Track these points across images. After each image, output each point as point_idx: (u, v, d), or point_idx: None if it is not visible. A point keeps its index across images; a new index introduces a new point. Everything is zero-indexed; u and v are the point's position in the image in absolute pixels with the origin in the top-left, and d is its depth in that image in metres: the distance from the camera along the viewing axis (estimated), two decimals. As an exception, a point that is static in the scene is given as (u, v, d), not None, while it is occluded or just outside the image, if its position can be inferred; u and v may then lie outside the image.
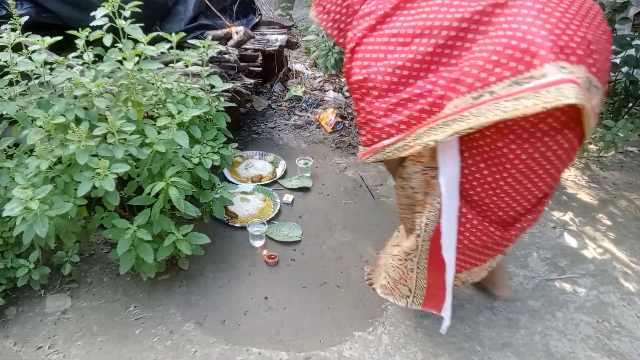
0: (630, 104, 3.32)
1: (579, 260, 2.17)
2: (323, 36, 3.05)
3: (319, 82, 3.99)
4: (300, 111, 3.49)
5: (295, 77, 4.04)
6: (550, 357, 1.68)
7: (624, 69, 3.29)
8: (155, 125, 1.65)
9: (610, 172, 2.98)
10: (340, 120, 3.26)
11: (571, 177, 2.89)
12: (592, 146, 3.12)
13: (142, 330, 1.71)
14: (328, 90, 3.76)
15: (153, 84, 1.83)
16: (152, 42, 1.75)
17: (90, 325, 1.72)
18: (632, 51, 3.10)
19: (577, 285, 2.02)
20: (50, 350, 1.61)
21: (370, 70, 1.31)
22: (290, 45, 3.64)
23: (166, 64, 2.14)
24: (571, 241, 2.29)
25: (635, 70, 3.34)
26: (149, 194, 1.60)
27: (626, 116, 3.23)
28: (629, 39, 2.67)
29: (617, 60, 3.21)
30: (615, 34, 2.75)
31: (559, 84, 1.03)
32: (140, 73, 1.76)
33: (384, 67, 1.28)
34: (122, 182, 1.80)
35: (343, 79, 3.95)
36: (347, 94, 3.68)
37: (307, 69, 4.25)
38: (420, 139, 1.24)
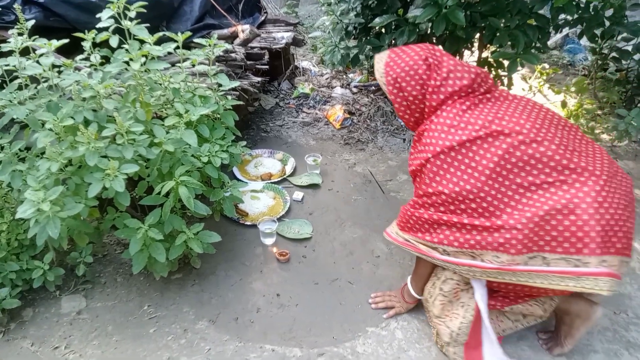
0: (644, 92, 3.26)
1: (594, 252, 2.13)
2: (329, 32, 3.03)
3: (326, 79, 3.98)
4: (308, 108, 3.49)
5: (303, 75, 4.04)
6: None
7: (637, 57, 3.23)
8: (163, 125, 1.65)
9: (624, 161, 2.93)
10: (348, 116, 3.25)
11: (584, 167, 2.84)
12: (605, 136, 3.07)
13: (157, 329, 1.72)
14: (335, 87, 3.75)
15: (160, 84, 1.83)
16: (159, 43, 1.75)
17: (105, 325, 1.73)
18: (643, 38, 3.04)
19: (592, 277, 1.98)
20: (67, 350, 1.63)
21: (441, 188, 1.42)
22: (297, 42, 3.64)
23: (173, 64, 2.15)
24: (586, 232, 2.25)
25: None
26: (159, 193, 1.61)
27: (639, 104, 3.18)
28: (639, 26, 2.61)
29: (629, 48, 3.15)
30: (626, 21, 2.70)
31: (597, 276, 1.25)
32: (147, 74, 1.77)
33: (459, 187, 1.38)
34: (132, 182, 1.81)
35: (350, 75, 3.94)
36: (355, 90, 3.67)
37: (314, 66, 4.25)
38: (469, 273, 1.43)
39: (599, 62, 3.51)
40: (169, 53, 1.82)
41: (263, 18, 3.60)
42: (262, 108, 3.46)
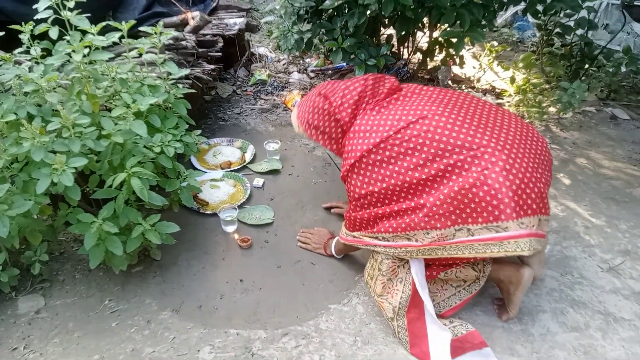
0: (587, 65, 3.42)
1: (542, 219, 2.25)
2: (281, 17, 3.02)
3: (283, 64, 3.97)
4: (266, 95, 3.48)
5: (259, 61, 4.01)
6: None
7: (579, 32, 3.37)
8: (111, 116, 1.63)
9: (570, 132, 3.08)
10: (306, 100, 3.26)
11: (533, 140, 2.97)
12: (552, 109, 3.20)
13: (119, 322, 1.71)
14: (292, 72, 3.75)
15: (107, 75, 1.79)
16: (103, 33, 1.71)
17: (66, 322, 1.71)
18: (584, 13, 3.17)
19: (541, 242, 2.10)
20: (26, 350, 1.61)
21: (370, 188, 1.59)
22: (251, 28, 3.61)
23: (121, 55, 2.10)
24: (534, 201, 2.36)
25: (589, 32, 3.43)
26: (110, 186, 1.59)
27: (583, 77, 3.32)
28: (579, 1, 2.72)
29: (572, 24, 3.29)
30: (566, -4, 2.81)
31: (517, 238, 1.36)
32: (93, 65, 1.73)
33: (386, 184, 1.55)
34: (84, 177, 1.78)
35: (307, 60, 3.94)
36: (312, 75, 3.68)
37: (270, 52, 4.22)
38: (408, 254, 1.55)
39: (545, 38, 3.65)
40: (116, 44, 1.78)
41: (215, 4, 3.54)
42: (219, 96, 3.42)
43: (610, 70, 3.43)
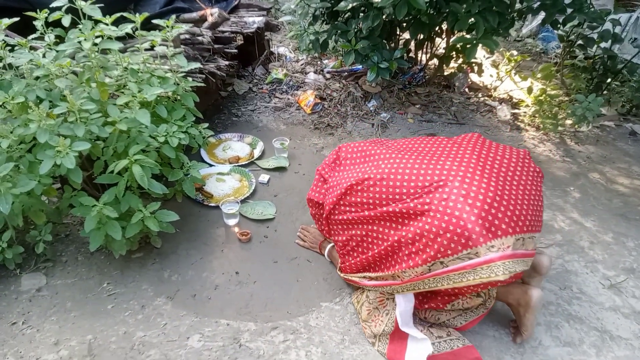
0: (609, 79, 3.35)
1: (546, 232, 2.21)
2: (298, 17, 3.05)
3: (301, 65, 4.00)
4: (281, 94, 3.51)
5: (278, 61, 4.05)
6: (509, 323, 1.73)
7: (602, 45, 3.30)
8: (118, 104, 1.68)
9: (585, 146, 3.01)
10: (319, 101, 3.28)
11: (545, 151, 2.92)
12: (568, 121, 3.14)
13: (115, 305, 1.76)
14: (309, 73, 3.77)
15: (119, 65, 1.85)
16: (118, 25, 1.77)
17: (64, 301, 1.77)
18: (608, 26, 3.11)
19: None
20: (24, 326, 1.66)
21: (347, 235, 1.71)
22: (271, 27, 3.65)
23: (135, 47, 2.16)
24: (540, 213, 2.32)
25: (616, 46, 3.36)
26: (112, 171, 1.64)
27: (605, 91, 3.25)
28: (600, 13, 2.67)
29: (595, 36, 3.22)
30: (588, 10, 2.75)
31: (489, 263, 1.32)
32: (105, 54, 1.78)
33: (358, 234, 1.67)
34: (91, 162, 1.83)
35: (325, 61, 3.97)
36: (328, 76, 3.70)
37: (290, 52, 4.26)
38: (394, 291, 1.58)
39: (567, 49, 3.58)
40: (132, 37, 1.83)
41: (236, 3, 3.60)
42: (235, 93, 3.47)
43: (634, 85, 3.35)
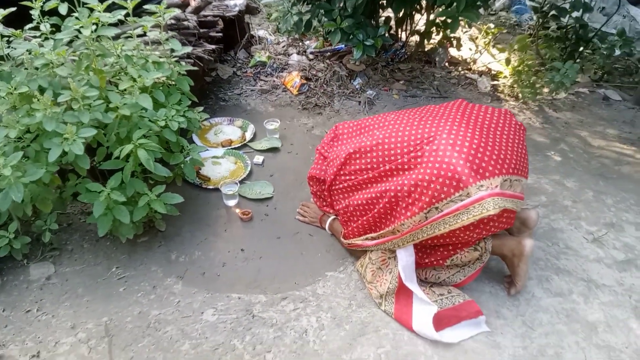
0: (581, 48, 3.47)
1: (531, 194, 2.33)
2: (281, -2, 3.07)
3: (283, 47, 4.01)
4: (266, 76, 3.53)
5: (259, 44, 4.06)
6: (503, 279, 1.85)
7: (574, 14, 3.42)
8: (118, 91, 1.70)
9: (562, 112, 3.15)
10: (305, 82, 3.32)
11: (525, 119, 3.05)
12: (545, 89, 3.27)
13: (126, 287, 1.81)
14: (292, 54, 3.80)
15: (113, 52, 1.86)
16: (108, 11, 1.77)
17: (75, 287, 1.80)
18: (579, -5, 3.21)
19: (529, 215, 2.18)
20: (39, 313, 1.70)
21: (348, 201, 1.82)
22: (250, 10, 3.65)
23: (125, 34, 2.16)
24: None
25: (585, 15, 3.48)
26: (117, 157, 1.67)
27: (577, 59, 3.38)
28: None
29: (567, 5, 3.34)
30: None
31: (480, 200, 1.45)
32: (99, 41, 1.79)
33: (358, 197, 1.77)
34: (91, 150, 1.85)
35: (307, 42, 3.99)
36: (311, 57, 3.73)
37: (270, 34, 4.26)
38: (395, 246, 1.68)
39: (541, 20, 3.70)
40: (121, 22, 1.84)
41: (215, -14, 3.58)
42: (220, 77, 3.48)
43: (604, 52, 3.49)
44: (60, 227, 2.05)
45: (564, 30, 3.65)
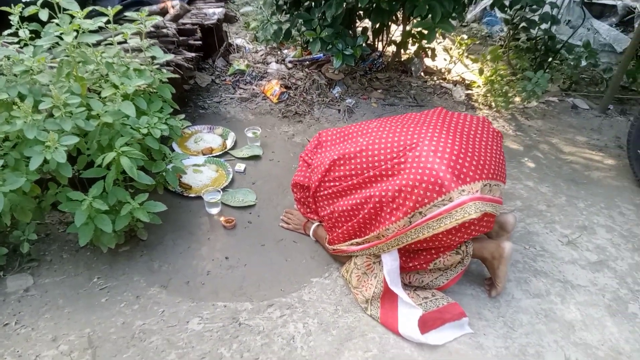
0: (550, 58, 3.62)
1: (507, 199, 2.41)
2: (260, 7, 3.09)
3: (261, 55, 4.03)
4: (245, 84, 3.54)
5: (237, 52, 4.06)
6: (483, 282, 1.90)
7: (543, 26, 3.57)
8: (100, 98, 1.68)
9: (534, 120, 3.26)
10: (284, 90, 3.34)
11: (499, 127, 3.14)
12: (517, 98, 3.38)
13: (108, 298, 1.77)
14: (271, 63, 3.82)
15: (93, 59, 1.84)
16: (88, 18, 1.75)
17: (56, 299, 1.76)
18: (548, 9, 3.36)
19: (507, 220, 2.25)
20: (18, 326, 1.65)
21: (333, 207, 1.84)
22: (229, 19, 3.66)
23: (105, 40, 2.14)
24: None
25: (553, 27, 3.64)
26: (99, 165, 1.64)
27: (547, 69, 3.52)
28: (542, -3, 2.90)
29: (536, 18, 3.48)
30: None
31: (462, 205, 1.50)
32: (79, 48, 1.77)
33: (343, 203, 1.80)
34: (72, 158, 1.82)
35: (285, 51, 4.02)
36: (290, 65, 3.76)
37: (248, 43, 4.27)
38: (380, 250, 1.71)
39: (511, 32, 3.83)
40: (101, 29, 1.82)
41: (193, -5, 3.57)
42: (198, 86, 3.47)
43: (572, 63, 3.64)
44: (39, 237, 1.99)
45: (534, 41, 3.79)
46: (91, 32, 1.75)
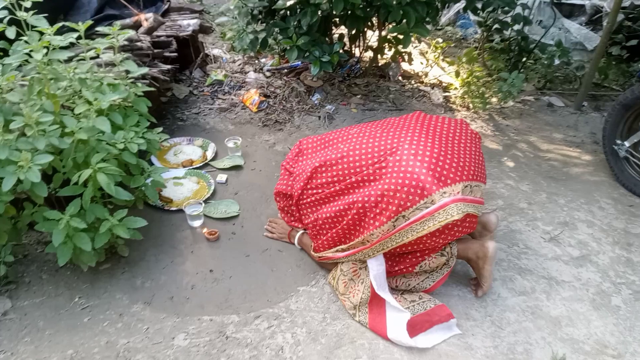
0: (524, 58, 3.68)
1: (489, 198, 2.43)
2: (235, 17, 3.09)
3: (239, 65, 4.01)
4: (224, 94, 3.52)
5: (214, 62, 4.04)
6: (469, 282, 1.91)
7: (516, 27, 3.63)
8: (73, 114, 1.64)
9: (511, 120, 3.31)
10: (264, 99, 3.33)
11: (477, 128, 3.18)
12: (494, 99, 3.43)
13: (91, 317, 1.73)
14: (249, 72, 3.81)
15: (66, 75, 1.81)
16: (59, 34, 1.72)
17: (36, 321, 1.71)
18: (520, 10, 3.42)
19: (489, 219, 2.27)
20: (-4, 352, 1.60)
21: (317, 215, 1.84)
22: (204, 30, 3.63)
23: (77, 56, 2.10)
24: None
25: (526, 28, 3.71)
26: (76, 183, 1.61)
27: (521, 69, 3.58)
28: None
29: (509, 19, 3.54)
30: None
31: (445, 207, 1.51)
32: (50, 65, 1.73)
33: (327, 210, 1.79)
34: (47, 177, 1.77)
35: (262, 60, 4.01)
36: (268, 74, 3.75)
37: (225, 53, 4.26)
38: (366, 256, 1.71)
39: (485, 34, 3.89)
40: (72, 44, 1.79)
41: (166, 6, 3.54)
42: (176, 97, 3.43)
43: (545, 62, 3.71)
44: (16, 259, 1.93)
45: (507, 42, 3.86)
46: (62, 48, 1.73)
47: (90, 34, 2.31)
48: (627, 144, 2.51)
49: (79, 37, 1.81)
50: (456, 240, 1.76)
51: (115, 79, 1.98)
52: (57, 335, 1.66)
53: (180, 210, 2.27)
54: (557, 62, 3.69)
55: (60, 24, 1.74)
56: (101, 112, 1.80)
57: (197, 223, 2.21)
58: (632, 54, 4.04)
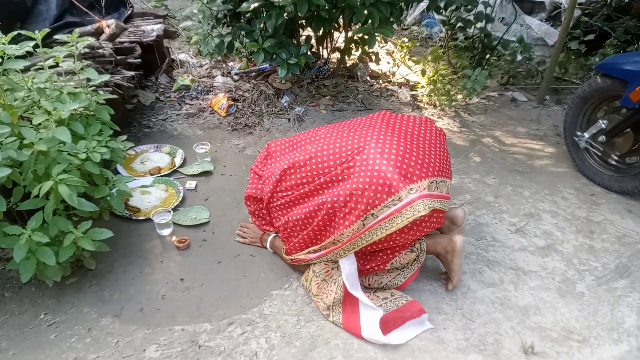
0: (488, 55, 3.76)
1: (456, 193, 2.48)
2: (200, 21, 3.05)
3: (206, 69, 3.97)
4: (191, 100, 3.48)
5: (181, 67, 3.99)
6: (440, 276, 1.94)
7: (479, 25, 3.71)
8: (32, 125, 1.60)
9: (477, 116, 3.38)
10: (232, 103, 3.31)
11: (444, 125, 3.24)
12: (459, 96, 3.50)
13: (57, 334, 1.68)
14: (216, 76, 3.77)
15: (23, 85, 1.75)
16: (14, 43, 1.67)
17: (-2, 342, 1.65)
18: (482, 8, 3.50)
19: (458, 214, 2.31)
20: (-44, 376, 1.54)
21: (287, 217, 1.83)
22: (169, 34, 3.59)
23: (35, 65, 2.04)
24: (450, 178, 2.60)
25: (488, 25, 3.79)
26: (37, 196, 1.56)
27: (485, 66, 3.66)
28: (475, -2, 3.02)
29: (471, 17, 3.62)
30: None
31: (412, 203, 1.54)
32: (7, 75, 1.68)
33: (297, 212, 1.79)
34: (6, 191, 1.72)
35: (230, 63, 3.99)
36: (236, 78, 3.73)
37: (191, 57, 4.21)
38: (337, 256, 1.71)
39: (449, 32, 3.97)
40: (30, 53, 1.74)
41: (129, 12, 3.49)
42: (142, 104, 3.37)
43: (508, 58, 3.81)
44: (-25, 278, 1.87)
45: (471, 40, 3.94)
46: (18, 57, 1.68)
47: (49, 42, 2.25)
48: (586, 135, 2.59)
49: (36, 46, 1.77)
50: (425, 236, 1.79)
51: (75, 87, 1.93)
52: (22, 355, 1.60)
53: (149, 220, 2.23)
54: (519, 57, 3.79)
55: (15, 33, 1.69)
56: (61, 122, 1.76)
57: (166, 231, 2.18)
58: (590, 48, 4.19)
